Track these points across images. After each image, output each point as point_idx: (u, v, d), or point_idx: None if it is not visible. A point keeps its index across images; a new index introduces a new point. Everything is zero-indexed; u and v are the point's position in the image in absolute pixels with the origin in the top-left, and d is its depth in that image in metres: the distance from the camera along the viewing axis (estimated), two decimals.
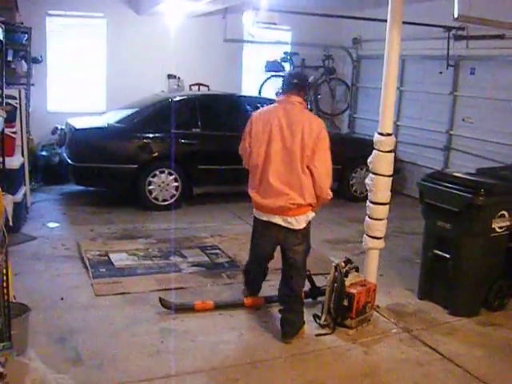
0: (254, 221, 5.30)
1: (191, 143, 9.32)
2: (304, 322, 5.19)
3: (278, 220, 4.98)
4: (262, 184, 4.98)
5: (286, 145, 4.88)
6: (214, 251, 7.35)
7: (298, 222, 4.98)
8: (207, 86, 12.12)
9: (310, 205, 4.99)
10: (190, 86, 12.22)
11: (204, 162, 9.39)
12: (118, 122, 9.36)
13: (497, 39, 9.44)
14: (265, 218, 5.06)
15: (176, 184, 9.22)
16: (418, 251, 7.56)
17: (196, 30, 12.22)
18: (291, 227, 4.98)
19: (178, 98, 9.77)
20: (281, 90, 5.37)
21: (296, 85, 5.12)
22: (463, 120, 10.53)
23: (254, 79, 12.86)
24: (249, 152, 5.12)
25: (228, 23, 12.26)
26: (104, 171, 8.96)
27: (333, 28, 13.01)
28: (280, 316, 5.21)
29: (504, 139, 9.50)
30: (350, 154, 10.34)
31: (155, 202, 9.16)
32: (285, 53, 13.04)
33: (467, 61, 10.41)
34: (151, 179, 9.06)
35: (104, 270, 6.51)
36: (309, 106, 12.76)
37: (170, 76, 12.24)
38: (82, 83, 11.88)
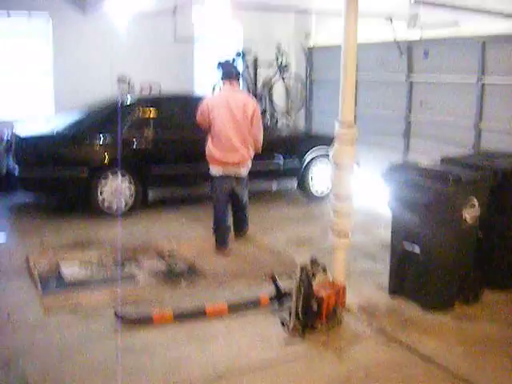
0: (213, 180, 7.26)
1: (144, 146, 8.90)
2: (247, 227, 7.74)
3: (233, 172, 7.17)
4: (225, 143, 7.06)
5: (235, 117, 7.07)
6: (171, 258, 6.96)
7: (245, 170, 7.28)
8: (159, 87, 11.69)
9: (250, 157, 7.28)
10: (141, 86, 11.76)
11: (158, 165, 9.00)
12: (66, 127, 8.92)
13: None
14: (224, 173, 7.15)
15: (130, 189, 8.80)
16: (382, 246, 7.37)
17: (145, 29, 11.88)
18: (241, 175, 7.28)
19: (128, 100, 9.34)
20: (221, 77, 7.34)
21: (233, 73, 7.35)
22: (421, 105, 10.34)
23: (209, 78, 12.47)
24: (209, 124, 7.17)
25: (178, 22, 11.84)
26: (54, 178, 8.51)
27: (285, 23, 12.75)
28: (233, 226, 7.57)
29: (463, 121, 9.33)
30: (307, 148, 10.10)
31: (108, 208, 8.73)
32: (237, 51, 12.67)
33: (420, 46, 10.27)
34: (103, 185, 8.63)
35: (54, 283, 6.07)
36: (263, 105, 12.48)
37: (120, 77, 11.78)
38: (27, 87, 11.38)
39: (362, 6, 5.18)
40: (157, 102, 9.61)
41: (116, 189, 8.69)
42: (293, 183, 10.24)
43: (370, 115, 11.53)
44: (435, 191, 5.25)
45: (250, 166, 7.32)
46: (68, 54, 11.49)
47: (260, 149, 7.42)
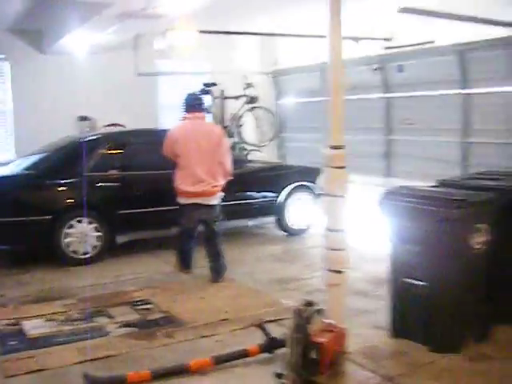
0: (181, 206, 7.14)
1: (109, 186, 8.28)
2: (226, 268, 7.32)
3: (200, 200, 7.03)
4: (191, 176, 6.99)
5: (201, 147, 7.00)
6: (145, 306, 6.30)
7: (215, 199, 7.12)
8: (122, 126, 11.15)
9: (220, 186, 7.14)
10: (105, 126, 11.22)
11: (125, 206, 8.36)
12: (25, 169, 8.28)
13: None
14: (192, 201, 7.04)
15: (97, 234, 8.15)
16: (373, 282, 6.83)
17: (105, 66, 11.40)
18: (210, 203, 7.08)
19: (89, 138, 8.74)
20: (185, 109, 7.29)
21: (197, 105, 7.32)
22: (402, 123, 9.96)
23: (173, 114, 11.89)
24: (175, 155, 7.09)
25: (139, 55, 11.33)
26: (12, 226, 7.82)
27: (251, 51, 12.34)
28: (210, 270, 7.26)
29: (448, 137, 8.88)
30: (284, 183, 9.61)
31: (74, 255, 8.05)
32: (204, 84, 12.21)
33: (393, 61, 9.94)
34: (68, 230, 7.96)
35: (15, 342, 5.37)
36: (233, 138, 11.98)
37: (81, 117, 11.26)
38: None
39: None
40: (121, 137, 9.06)
41: (82, 235, 8.05)
42: (269, 219, 9.67)
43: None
44: (438, 217, 4.72)
45: (220, 195, 7.18)
46: (27, 95, 10.89)
47: (230, 174, 7.33)
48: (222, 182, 7.16)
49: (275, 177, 9.70)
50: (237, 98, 12.46)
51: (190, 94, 7.48)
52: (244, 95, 12.45)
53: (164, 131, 8.50)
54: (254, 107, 12.59)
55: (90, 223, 8.08)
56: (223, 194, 7.21)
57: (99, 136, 9.08)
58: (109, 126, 11.29)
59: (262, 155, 12.83)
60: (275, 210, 9.50)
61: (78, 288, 7.03)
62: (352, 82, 10.93)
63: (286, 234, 9.74)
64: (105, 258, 8.25)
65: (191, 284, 7.14)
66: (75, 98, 11.20)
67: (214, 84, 12.17)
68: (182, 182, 7.03)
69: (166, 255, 8.28)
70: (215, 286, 7.04)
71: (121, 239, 8.44)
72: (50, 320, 5.92)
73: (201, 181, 6.96)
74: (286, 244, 9.29)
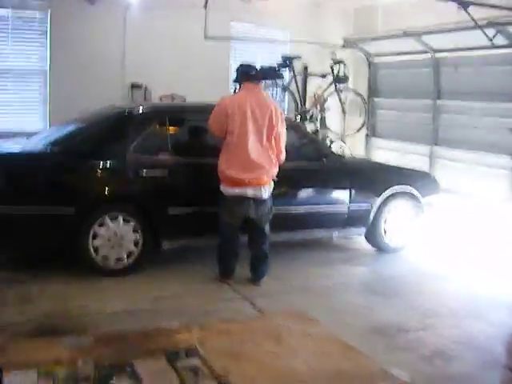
0: (223, 198, 5.92)
1: (158, 175, 6.28)
2: (268, 270, 6.22)
3: (251, 191, 5.86)
4: (243, 159, 5.82)
5: (259, 126, 5.87)
6: (189, 363, 4.20)
7: (267, 191, 5.96)
8: (183, 98, 9.20)
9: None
10: (161, 97, 9.30)
11: (178, 202, 6.33)
12: (50, 144, 6.33)
13: None
14: (239, 192, 5.85)
15: (135, 236, 6.18)
16: None
17: (168, 25, 9.48)
18: (262, 197, 5.91)
19: (138, 111, 6.71)
20: (238, 80, 6.20)
21: (252, 75, 6.08)
22: None
23: None
24: (226, 131, 5.87)
25: (210, 16, 9.26)
26: (23, 219, 5.85)
27: (342, 23, 10.22)
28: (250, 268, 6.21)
29: None
30: (382, 186, 7.45)
31: (104, 263, 6.11)
32: (283, 56, 10.14)
33: None
34: (98, 230, 6.02)
35: None
36: (314, 124, 9.92)
37: (134, 85, 9.32)
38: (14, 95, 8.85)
39: None
40: (179, 112, 7.03)
41: (116, 236, 6.10)
42: (359, 231, 7.52)
43: None
44: None
45: (272, 185, 6.06)
46: (69, 53, 9.04)
47: (283, 161, 6.14)
48: (276, 170, 6.04)
49: (372, 177, 7.56)
50: (323, 76, 10.34)
51: (243, 64, 6.41)
52: (331, 73, 10.27)
53: None
54: (342, 89, 10.41)
55: (128, 222, 6.14)
56: (273, 185, 6.07)
57: (151, 108, 7.05)
58: (166, 97, 9.39)
59: (346, 148, 10.74)
60: (368, 219, 7.39)
61: (100, 315, 5.12)
62: None
63: (376, 250, 7.66)
64: (144, 268, 6.31)
65: (258, 325, 5.07)
66: (128, 62, 9.47)
67: (296, 57, 10.11)
68: (230, 167, 5.85)
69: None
70: (291, 330, 4.95)
71: (168, 245, 6.42)
72: (45, 376, 3.91)
73: (256, 166, 5.86)
74: (377, 266, 7.20)
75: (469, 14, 7.72)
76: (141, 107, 6.82)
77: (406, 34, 9.62)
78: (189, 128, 6.66)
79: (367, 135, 11.25)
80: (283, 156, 6.11)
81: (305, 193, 6.92)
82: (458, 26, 8.58)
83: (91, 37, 9.20)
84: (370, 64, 11.39)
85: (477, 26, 8.06)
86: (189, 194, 6.37)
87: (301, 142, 7.20)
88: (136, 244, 6.19)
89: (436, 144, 10.10)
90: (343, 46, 11.00)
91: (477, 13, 7.82)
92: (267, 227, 6.09)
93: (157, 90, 9.47)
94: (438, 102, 10.02)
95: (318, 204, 6.99)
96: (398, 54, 10.64)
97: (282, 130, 6.03)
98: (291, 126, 7.03)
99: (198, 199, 6.35)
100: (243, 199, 5.88)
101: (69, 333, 4.61)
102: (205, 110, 6.67)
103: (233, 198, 5.88)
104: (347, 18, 11.20)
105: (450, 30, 8.86)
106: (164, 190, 6.28)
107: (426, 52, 9.93)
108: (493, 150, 8.95)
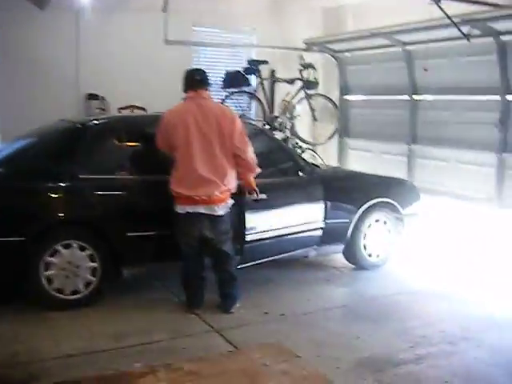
0: (176, 217, 5.43)
1: (116, 196, 5.65)
2: (239, 296, 5.68)
3: (203, 209, 5.33)
4: (191, 174, 5.31)
5: (205, 136, 5.32)
6: None
7: (223, 208, 5.39)
8: (143, 109, 8.59)
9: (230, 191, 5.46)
10: (120, 109, 8.68)
11: (137, 225, 5.71)
12: None
13: None
14: (191, 210, 5.34)
15: (92, 264, 5.55)
16: None
17: (125, 29, 8.80)
18: (216, 214, 5.35)
19: (91, 124, 6.10)
20: (185, 87, 5.61)
21: (199, 80, 5.57)
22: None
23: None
24: (172, 146, 5.43)
25: (171, 20, 8.64)
26: None
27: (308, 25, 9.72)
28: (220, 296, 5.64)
29: None
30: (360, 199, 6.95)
31: (59, 295, 5.45)
32: (249, 61, 9.59)
33: None
34: (51, 259, 5.36)
35: None
36: (283, 132, 9.39)
37: (90, 96, 8.68)
38: None
39: None
40: (138, 124, 6.47)
41: (71, 266, 5.46)
42: (337, 248, 6.98)
43: None
44: None
45: (229, 201, 5.48)
46: (18, 62, 8.35)
47: (255, 169, 5.59)
48: (233, 183, 5.50)
49: (349, 190, 7.03)
50: (291, 81, 9.77)
51: (191, 69, 5.94)
52: (300, 78, 9.74)
53: None
54: (312, 95, 9.86)
55: (83, 249, 5.50)
56: (233, 201, 5.51)
57: (105, 121, 6.42)
58: (125, 108, 8.85)
59: (317, 157, 10.20)
60: (346, 235, 6.85)
61: (54, 359, 4.46)
62: None
63: (355, 267, 7.14)
64: (104, 298, 5.68)
65: (232, 363, 4.51)
66: (83, 71, 8.79)
67: (263, 62, 9.55)
68: (179, 183, 5.37)
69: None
70: (268, 368, 4.39)
71: (129, 271, 5.79)
72: None
73: (205, 181, 5.32)
74: (359, 286, 6.64)
75: (442, 9, 7.21)
76: (94, 120, 6.21)
77: (377, 34, 9.09)
78: (148, 142, 6.01)
79: (340, 136, 10.65)
80: (252, 160, 5.55)
81: (280, 212, 6.23)
82: (431, 24, 8.07)
83: (41, 44, 8.51)
84: (337, 59, 10.77)
85: (452, 24, 7.56)
86: (150, 215, 5.74)
87: (272, 154, 6.60)
88: (94, 273, 5.56)
89: (414, 142, 9.53)
90: (305, 50, 10.37)
91: (449, 8, 7.31)
92: (228, 246, 5.55)
93: (115, 101, 8.84)
94: (414, 97, 9.46)
95: (294, 223, 6.33)
96: (368, 48, 10.01)
97: (240, 136, 5.45)
98: (258, 134, 6.51)
99: (159, 220, 5.72)
100: (196, 217, 5.38)
101: None
102: None
103: (185, 217, 5.39)
104: (315, 20, 10.65)
105: (422, 28, 8.33)
106: (122, 211, 5.66)
107: (395, 46, 9.34)
108: (476, 146, 8.43)
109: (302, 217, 6.40)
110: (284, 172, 6.52)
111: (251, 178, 5.60)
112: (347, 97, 10.95)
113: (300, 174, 6.54)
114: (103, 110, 8.76)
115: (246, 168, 5.53)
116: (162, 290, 6.12)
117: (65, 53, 8.75)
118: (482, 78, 8.37)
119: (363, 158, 10.57)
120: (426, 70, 8.83)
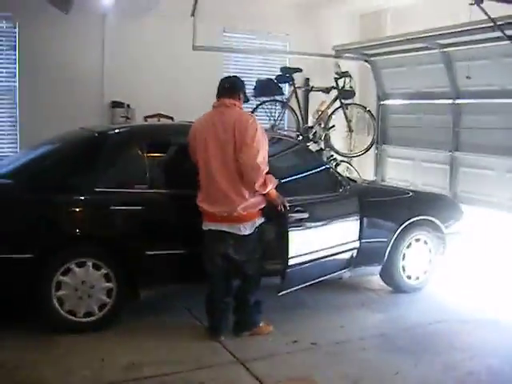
0: (203, 235, 5.02)
1: (134, 211, 5.21)
2: (255, 324, 5.20)
3: (226, 227, 4.90)
4: (211, 189, 4.93)
5: (224, 148, 4.87)
6: None
7: (247, 227, 4.93)
8: (171, 118, 8.21)
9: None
10: (146, 118, 8.30)
11: (157, 243, 5.27)
12: (5, 175, 5.31)
13: None
14: (213, 227, 4.94)
15: (108, 285, 5.12)
16: None
17: (154, 35, 8.42)
18: (240, 233, 4.90)
19: (111, 134, 5.71)
20: (216, 96, 5.20)
21: (226, 89, 5.14)
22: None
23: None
24: (195, 159, 5.09)
25: (200, 25, 8.24)
26: None
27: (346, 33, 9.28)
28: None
29: None
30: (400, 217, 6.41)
31: (71, 317, 5.02)
32: (282, 69, 9.13)
33: None
34: (62, 278, 4.95)
35: None
36: (319, 144, 8.93)
37: (115, 104, 8.32)
38: None
39: None
40: (161, 135, 6.01)
41: (85, 286, 5.04)
42: (374, 269, 6.48)
43: None
44: None
45: (258, 220, 5.01)
46: (40, 68, 8.06)
47: (262, 186, 4.88)
48: (259, 199, 4.97)
49: (388, 207, 6.52)
50: (326, 90, 9.26)
51: (224, 77, 5.44)
52: (336, 87, 9.24)
53: None
54: (348, 104, 9.36)
55: (98, 268, 5.08)
56: (263, 219, 5.05)
57: (126, 130, 6.03)
58: (151, 117, 8.46)
59: (352, 170, 9.73)
60: (383, 256, 6.33)
61: None
62: None
63: (393, 290, 6.62)
64: (120, 320, 5.25)
65: None
66: (108, 77, 8.48)
67: (297, 69, 9.05)
68: (202, 198, 5.01)
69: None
70: None
71: (148, 293, 5.35)
72: None
73: (224, 196, 4.89)
74: (398, 311, 6.07)
75: (484, 10, 6.66)
76: (114, 129, 5.80)
77: (416, 40, 8.53)
78: (172, 154, 5.58)
79: (377, 143, 10.06)
80: (259, 176, 4.84)
81: (321, 232, 5.59)
82: (472, 27, 7.51)
83: (65, 50, 8.20)
84: (370, 63, 10.18)
85: (495, 26, 7.01)
86: (171, 232, 5.31)
87: (310, 168, 6.09)
88: (109, 294, 5.13)
89: (457, 150, 8.92)
90: (336, 56, 9.87)
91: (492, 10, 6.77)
92: (253, 270, 5.10)
93: (141, 109, 8.47)
94: (457, 101, 8.85)
95: (333, 244, 5.75)
96: (403, 52, 9.41)
97: (251, 139, 4.84)
98: (295, 148, 6.02)
99: (181, 239, 5.31)
100: (220, 235, 4.96)
101: None
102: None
103: (209, 235, 4.99)
104: (351, 25, 10.17)
105: (464, 32, 7.76)
106: (141, 228, 5.23)
107: (433, 48, 8.73)
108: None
109: (341, 236, 5.86)
110: (323, 188, 5.95)
111: (269, 191, 4.98)
112: (385, 102, 10.36)
113: (339, 189, 6.04)
114: (128, 118, 8.38)
115: (248, 178, 4.85)
116: (184, 313, 5.66)
117: (90, 58, 8.44)
118: None
119: (402, 167, 9.99)
120: (468, 77, 8.22)
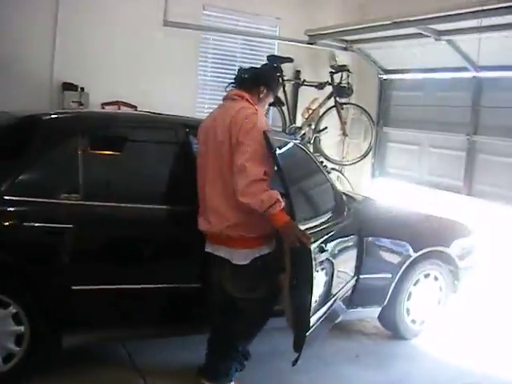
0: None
1: (57, 230, 3.86)
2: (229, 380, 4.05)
3: (222, 253, 3.91)
4: (204, 202, 3.97)
5: (218, 150, 3.88)
6: None
7: (242, 257, 3.84)
8: (134, 107, 6.98)
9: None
10: (103, 105, 7.09)
11: (88, 275, 3.95)
12: None
13: None
14: (209, 249, 4.01)
15: (17, 328, 3.81)
16: None
17: (116, 7, 7.17)
18: (236, 263, 3.85)
19: (37, 119, 4.25)
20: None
21: (244, 80, 4.18)
22: None
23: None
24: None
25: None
26: None
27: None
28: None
29: None
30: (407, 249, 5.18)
31: None
32: (269, 57, 8.01)
33: None
34: None
35: None
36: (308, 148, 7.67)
37: (66, 86, 7.04)
38: None
39: None
40: (110, 125, 4.52)
41: None
42: (372, 312, 5.23)
43: None
44: None
45: (260, 249, 3.85)
46: None
47: (257, 202, 3.60)
48: (259, 222, 3.74)
49: (395, 233, 5.21)
50: (320, 86, 8.16)
51: (248, 67, 4.49)
52: (331, 83, 8.15)
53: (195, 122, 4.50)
54: (344, 103, 8.27)
55: (6, 306, 3.77)
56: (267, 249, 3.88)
57: (64, 117, 4.61)
58: (110, 104, 7.19)
59: (344, 180, 8.52)
60: (385, 295, 5.10)
61: None
62: None
63: (391, 334, 5.42)
64: (32, 376, 3.91)
65: None
66: (60, 54, 7.14)
67: (287, 59, 7.94)
68: (200, 213, 4.05)
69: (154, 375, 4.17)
70: None
71: (72, 340, 3.98)
72: None
73: (214, 211, 3.89)
74: (397, 368, 4.81)
75: None
76: (46, 115, 4.41)
77: (405, 24, 7.07)
78: (127, 154, 4.21)
79: (377, 125, 8.72)
80: (241, 177, 3.67)
81: (334, 269, 4.29)
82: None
83: (11, 21, 6.93)
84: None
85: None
86: (107, 260, 4.02)
87: (317, 183, 4.67)
88: (19, 340, 3.82)
89: (476, 133, 7.55)
90: (310, 43, 8.55)
91: None
92: (252, 313, 4.03)
93: (98, 94, 7.16)
94: (477, 74, 7.44)
95: (340, 283, 4.53)
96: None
97: (243, 136, 3.79)
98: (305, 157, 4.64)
99: (121, 271, 4.04)
100: (217, 260, 3.99)
101: None
102: (154, 126, 4.52)
103: (207, 257, 4.07)
104: (351, 12, 8.88)
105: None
106: (66, 254, 3.87)
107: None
108: None
109: (345, 274, 4.66)
110: (330, 210, 4.53)
111: (276, 217, 3.67)
112: (389, 76, 8.99)
113: (344, 212, 4.71)
114: (81, 104, 7.09)
115: (236, 185, 3.73)
116: (124, 362, 4.32)
117: (38, 32, 7.14)
118: None
119: (407, 153, 8.67)
120: None
